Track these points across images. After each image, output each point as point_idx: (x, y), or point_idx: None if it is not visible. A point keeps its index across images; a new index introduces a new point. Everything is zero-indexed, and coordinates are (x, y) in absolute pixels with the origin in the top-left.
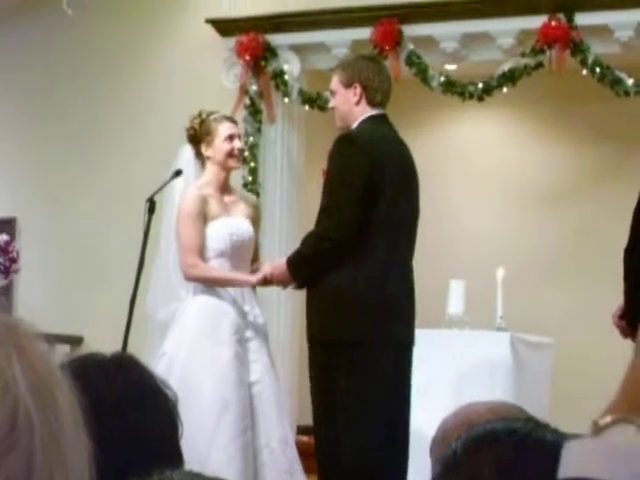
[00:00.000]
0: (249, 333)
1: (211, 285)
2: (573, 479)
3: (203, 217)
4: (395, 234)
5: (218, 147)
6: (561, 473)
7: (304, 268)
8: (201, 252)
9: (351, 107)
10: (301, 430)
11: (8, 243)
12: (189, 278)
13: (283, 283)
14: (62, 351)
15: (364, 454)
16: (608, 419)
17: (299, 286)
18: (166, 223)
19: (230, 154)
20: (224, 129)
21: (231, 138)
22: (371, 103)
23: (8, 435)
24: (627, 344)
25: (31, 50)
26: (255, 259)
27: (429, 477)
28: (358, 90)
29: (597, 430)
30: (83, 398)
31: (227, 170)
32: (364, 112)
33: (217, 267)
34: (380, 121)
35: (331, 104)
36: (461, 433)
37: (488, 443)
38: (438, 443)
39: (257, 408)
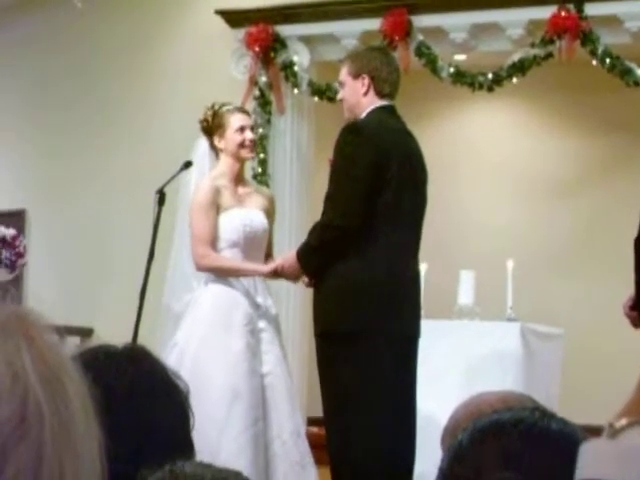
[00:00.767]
0: (262, 324)
1: (222, 275)
2: None
3: (216, 208)
4: (401, 225)
5: (230, 138)
6: (577, 475)
7: (313, 258)
8: (213, 242)
9: (359, 98)
10: (311, 421)
11: (15, 238)
12: (200, 268)
13: (294, 275)
14: (72, 343)
15: (372, 444)
16: (623, 422)
17: (309, 277)
18: (181, 215)
19: (242, 145)
20: (235, 120)
21: (242, 129)
22: (379, 94)
23: (18, 426)
24: (638, 335)
25: (40, 42)
26: (269, 254)
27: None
28: (366, 81)
29: (612, 432)
30: (94, 389)
31: (240, 161)
32: (372, 103)
33: (229, 257)
34: (388, 112)
35: (340, 95)
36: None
37: (494, 434)
38: (449, 433)
39: (269, 399)
